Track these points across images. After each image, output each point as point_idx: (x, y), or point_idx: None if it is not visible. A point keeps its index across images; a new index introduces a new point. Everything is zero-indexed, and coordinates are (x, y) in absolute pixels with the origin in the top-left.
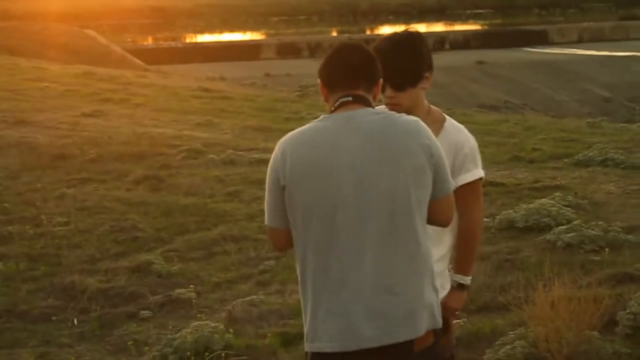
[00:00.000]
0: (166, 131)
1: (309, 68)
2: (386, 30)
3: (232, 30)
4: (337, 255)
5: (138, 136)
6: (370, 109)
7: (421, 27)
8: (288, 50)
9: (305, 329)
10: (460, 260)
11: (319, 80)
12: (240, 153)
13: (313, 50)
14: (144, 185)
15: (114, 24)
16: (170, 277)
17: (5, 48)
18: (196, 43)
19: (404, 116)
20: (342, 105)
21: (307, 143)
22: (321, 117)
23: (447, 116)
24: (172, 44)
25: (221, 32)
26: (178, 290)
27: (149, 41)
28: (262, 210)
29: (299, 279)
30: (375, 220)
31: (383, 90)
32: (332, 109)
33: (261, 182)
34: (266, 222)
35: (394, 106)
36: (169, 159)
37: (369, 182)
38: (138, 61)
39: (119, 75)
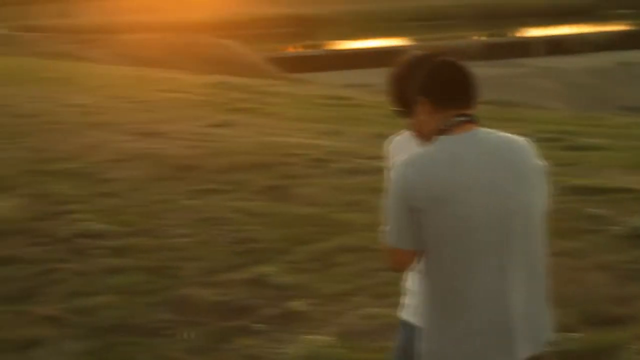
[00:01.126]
0: (292, 140)
1: None
2: (532, 32)
3: (371, 36)
4: (471, 277)
5: (263, 146)
6: (484, 128)
7: (564, 29)
8: None
9: (427, 348)
10: None
11: (420, 97)
12: (363, 161)
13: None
14: (266, 195)
15: (253, 34)
16: (286, 289)
17: (139, 59)
18: (335, 50)
19: (516, 136)
20: (459, 125)
21: (438, 163)
22: (439, 138)
23: None
24: (311, 52)
25: (361, 38)
26: (293, 303)
27: (288, 50)
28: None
29: (426, 299)
30: (513, 241)
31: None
32: (444, 128)
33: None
34: (390, 243)
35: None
36: (292, 168)
37: (504, 202)
38: (275, 70)
39: (251, 85)
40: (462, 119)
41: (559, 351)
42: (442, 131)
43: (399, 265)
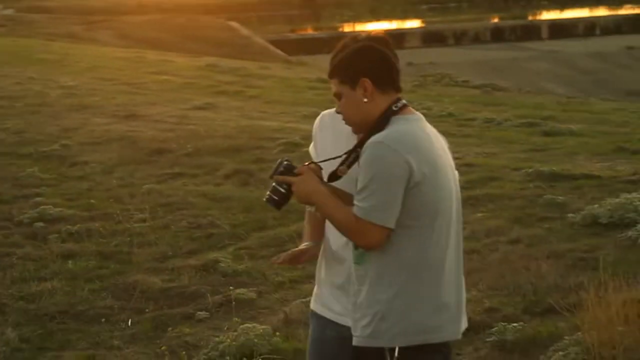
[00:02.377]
0: (271, 124)
1: (453, 56)
2: (540, 16)
3: (379, 19)
4: (449, 250)
5: (240, 129)
6: None
7: (573, 12)
8: (433, 38)
9: (407, 323)
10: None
11: (365, 79)
12: None
13: (459, 38)
14: (233, 180)
15: (262, 16)
16: (235, 276)
17: (146, 41)
18: (340, 32)
19: None
20: (405, 107)
21: (421, 140)
22: (401, 117)
23: None
24: (316, 34)
25: (368, 21)
26: (239, 290)
27: (293, 32)
28: None
29: (404, 275)
30: (459, 219)
31: None
32: (395, 109)
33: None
34: (380, 222)
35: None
36: (264, 152)
37: (456, 182)
38: (280, 52)
39: (240, 67)
40: (404, 102)
41: (498, 340)
42: (391, 112)
43: (375, 243)
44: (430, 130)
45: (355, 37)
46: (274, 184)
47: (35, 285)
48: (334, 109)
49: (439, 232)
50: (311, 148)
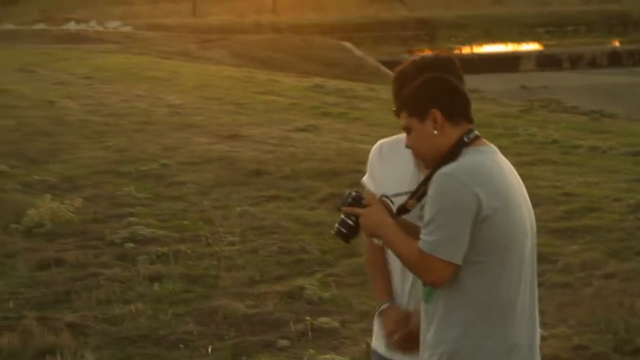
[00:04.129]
0: (370, 147)
1: (568, 80)
2: None
3: (494, 41)
4: (522, 288)
5: (340, 152)
6: None
7: None
8: (548, 62)
9: None
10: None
11: (434, 110)
12: None
13: (574, 62)
14: (327, 204)
15: (376, 36)
16: (321, 303)
17: (259, 60)
18: (454, 54)
19: None
20: (477, 138)
21: (493, 173)
22: (472, 149)
23: None
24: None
25: (483, 43)
26: (323, 319)
27: (406, 53)
28: None
29: (472, 314)
30: (534, 255)
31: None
32: (466, 140)
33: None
34: (446, 257)
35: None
36: (362, 176)
37: (531, 216)
38: (391, 73)
39: (346, 88)
40: (477, 133)
41: None
42: (463, 144)
43: (441, 280)
44: (505, 163)
45: (416, 61)
46: (342, 216)
47: (120, 308)
48: (393, 138)
49: (510, 269)
50: (366, 179)
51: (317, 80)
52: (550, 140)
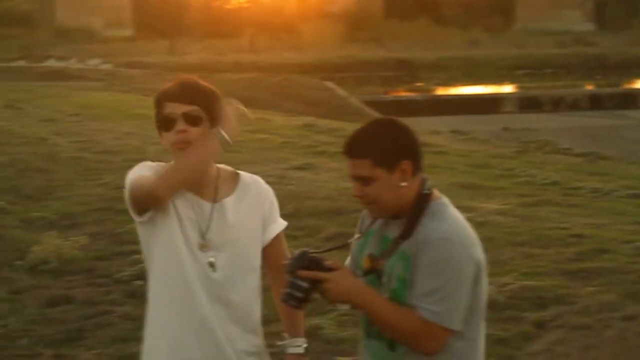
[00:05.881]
0: None
1: (550, 122)
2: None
3: (474, 83)
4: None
5: (340, 191)
6: None
7: None
8: (529, 104)
9: None
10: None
11: (406, 162)
12: None
13: (556, 104)
14: (333, 242)
15: (357, 76)
16: (338, 343)
17: (241, 99)
18: (435, 95)
19: None
20: (431, 189)
21: (472, 231)
22: (437, 202)
23: (238, 171)
24: (411, 96)
25: (463, 85)
26: (340, 359)
27: (388, 93)
28: None
29: None
30: None
31: None
32: (427, 192)
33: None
34: (452, 326)
35: None
36: None
37: None
38: (375, 113)
39: (337, 128)
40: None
41: None
42: (426, 196)
43: (441, 347)
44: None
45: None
46: (292, 279)
47: (134, 346)
48: None
49: (483, 329)
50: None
51: (307, 119)
52: (550, 181)
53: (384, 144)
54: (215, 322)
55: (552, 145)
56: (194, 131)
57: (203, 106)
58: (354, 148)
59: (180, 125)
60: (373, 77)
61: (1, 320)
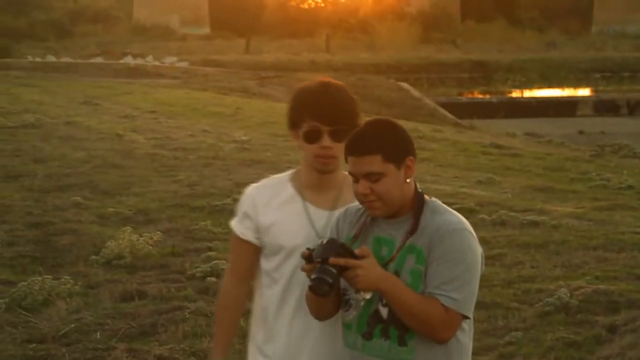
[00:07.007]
0: (444, 188)
1: (626, 126)
2: None
3: (550, 86)
4: None
5: None
6: None
7: None
8: (605, 107)
9: None
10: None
11: (411, 158)
12: (511, 214)
13: (632, 108)
14: None
15: (432, 78)
16: None
17: None
18: (511, 98)
19: None
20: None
21: None
22: (432, 200)
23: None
24: (487, 98)
25: (538, 87)
26: None
27: (463, 95)
28: (521, 276)
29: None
30: None
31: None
32: (421, 191)
33: (528, 246)
34: (469, 314)
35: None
36: None
37: None
38: (449, 115)
39: (412, 129)
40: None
41: None
42: (422, 194)
43: (453, 335)
44: None
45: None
46: (321, 266)
47: (207, 342)
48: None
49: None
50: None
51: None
52: (625, 185)
53: (392, 140)
54: None
55: (628, 149)
56: (337, 147)
57: (349, 125)
58: (363, 145)
59: (326, 141)
60: (448, 79)
61: (76, 314)
